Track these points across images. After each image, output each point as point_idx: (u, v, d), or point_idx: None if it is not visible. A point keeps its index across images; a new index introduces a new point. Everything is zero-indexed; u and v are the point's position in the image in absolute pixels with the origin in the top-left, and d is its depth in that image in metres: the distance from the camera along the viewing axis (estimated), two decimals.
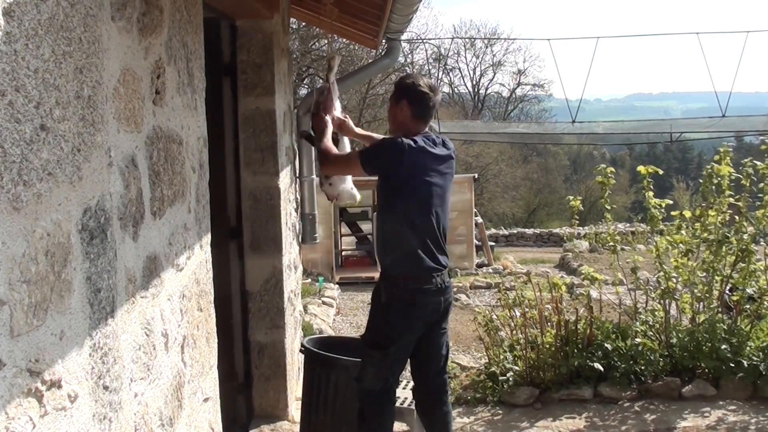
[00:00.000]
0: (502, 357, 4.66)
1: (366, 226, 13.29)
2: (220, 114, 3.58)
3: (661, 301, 4.76)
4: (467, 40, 32.44)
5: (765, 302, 4.75)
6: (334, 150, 3.23)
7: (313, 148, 4.98)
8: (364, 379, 3.01)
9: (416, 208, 2.96)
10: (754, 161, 4.84)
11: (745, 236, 4.70)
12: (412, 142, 2.96)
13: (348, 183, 3.54)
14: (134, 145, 1.64)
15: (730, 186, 4.79)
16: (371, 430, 3.06)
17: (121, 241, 1.53)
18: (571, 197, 5.19)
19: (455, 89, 33.74)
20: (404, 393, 3.88)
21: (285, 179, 4.03)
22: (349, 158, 3.22)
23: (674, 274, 4.74)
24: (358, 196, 3.69)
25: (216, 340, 2.41)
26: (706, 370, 4.50)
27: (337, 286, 10.43)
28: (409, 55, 24.82)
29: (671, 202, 5.16)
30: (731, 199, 4.79)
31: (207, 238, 2.33)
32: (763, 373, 4.37)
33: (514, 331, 4.77)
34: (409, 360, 3.17)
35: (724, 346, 4.45)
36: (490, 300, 8.64)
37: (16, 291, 1.05)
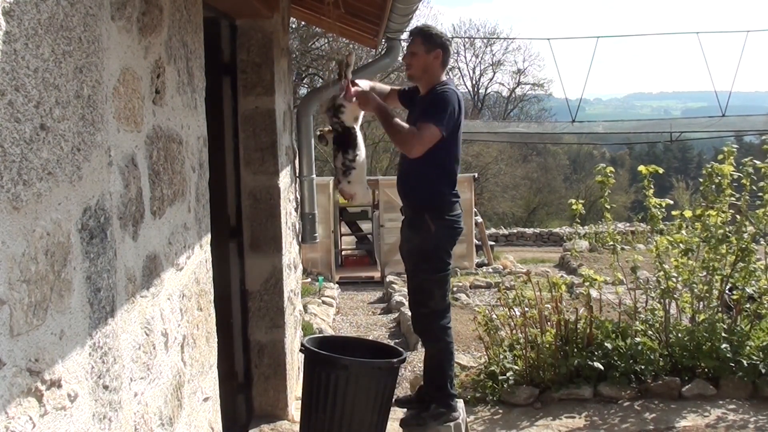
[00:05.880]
0: (501, 356, 4.66)
1: (366, 226, 13.29)
2: (220, 113, 3.58)
3: (661, 301, 4.76)
4: (467, 39, 32.44)
5: (765, 302, 4.75)
6: (410, 130, 3.31)
7: (312, 146, 4.99)
8: (432, 303, 3.41)
9: (453, 151, 3.41)
10: (755, 160, 4.84)
11: (745, 235, 4.70)
12: (458, 95, 3.37)
13: (364, 181, 3.53)
14: (134, 144, 1.64)
15: (730, 185, 4.80)
16: (446, 341, 3.47)
17: (120, 240, 1.53)
18: (573, 200, 5.19)
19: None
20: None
21: (285, 179, 4.03)
22: (432, 135, 3.25)
23: (674, 274, 4.74)
24: (370, 197, 3.71)
25: (216, 339, 2.41)
26: (706, 370, 4.50)
27: (336, 285, 10.43)
28: None
29: (671, 202, 5.16)
30: (732, 199, 4.80)
31: (207, 238, 2.33)
32: (763, 372, 4.37)
33: (514, 331, 4.77)
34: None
35: (724, 346, 4.45)
36: (489, 299, 8.63)
37: (16, 290, 1.05)
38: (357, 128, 3.48)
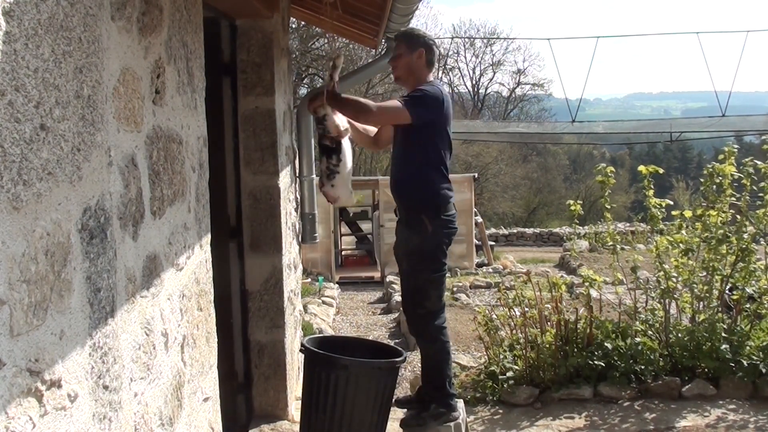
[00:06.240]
0: (501, 356, 4.66)
1: (366, 226, 13.29)
2: (219, 113, 3.58)
3: (661, 301, 4.76)
4: (467, 39, 32.45)
5: (765, 302, 4.75)
6: (369, 101, 3.41)
7: (312, 146, 4.99)
8: (428, 303, 3.41)
9: (446, 152, 3.41)
10: (755, 161, 4.84)
11: (746, 236, 4.70)
12: (443, 92, 3.39)
13: (348, 185, 3.55)
14: (134, 144, 1.64)
15: (731, 185, 4.80)
16: (442, 341, 3.47)
17: (120, 240, 1.53)
18: (571, 201, 5.19)
19: (455, 89, 33.67)
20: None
21: (285, 179, 4.03)
22: (396, 108, 3.30)
23: (674, 274, 4.74)
24: (355, 198, 3.72)
25: (216, 339, 2.41)
26: (706, 370, 4.50)
27: (336, 285, 10.43)
28: None
29: (671, 202, 5.16)
30: (732, 199, 4.80)
31: (207, 238, 2.33)
32: (763, 372, 4.37)
33: (514, 331, 4.77)
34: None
35: (724, 346, 4.45)
36: (489, 299, 8.63)
37: (16, 290, 1.05)
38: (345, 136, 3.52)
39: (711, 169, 4.84)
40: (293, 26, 15.82)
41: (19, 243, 1.06)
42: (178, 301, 1.97)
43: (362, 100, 3.44)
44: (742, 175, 4.81)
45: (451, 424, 3.43)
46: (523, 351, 4.56)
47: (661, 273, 4.74)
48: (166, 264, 1.86)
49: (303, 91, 18.04)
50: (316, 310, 7.76)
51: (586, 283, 4.87)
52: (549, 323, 4.66)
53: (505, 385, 4.42)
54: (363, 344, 3.87)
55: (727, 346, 4.46)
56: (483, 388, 4.50)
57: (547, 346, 4.52)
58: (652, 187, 4.91)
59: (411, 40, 3.46)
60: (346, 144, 3.52)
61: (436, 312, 3.43)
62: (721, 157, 4.89)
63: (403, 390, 4.77)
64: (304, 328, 5.81)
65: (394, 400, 3.42)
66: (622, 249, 6.80)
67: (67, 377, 1.22)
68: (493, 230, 18.48)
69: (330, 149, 3.48)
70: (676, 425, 4.06)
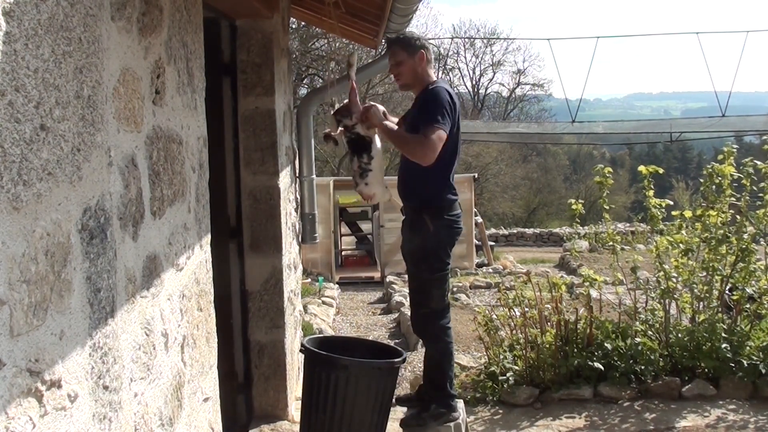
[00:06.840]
0: (501, 357, 4.66)
1: (366, 226, 13.28)
2: (219, 114, 3.58)
3: (661, 301, 4.76)
4: (467, 39, 32.45)
5: (765, 302, 4.75)
6: (412, 136, 3.30)
7: (312, 147, 4.99)
8: (431, 303, 3.42)
9: (453, 153, 3.39)
10: (755, 161, 4.84)
11: (745, 236, 4.70)
12: (453, 93, 3.38)
13: (381, 181, 3.55)
14: (134, 144, 1.64)
15: (730, 185, 4.80)
16: (445, 341, 3.48)
17: (120, 240, 1.53)
18: (572, 201, 5.19)
19: (455, 89, 33.70)
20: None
21: (285, 179, 4.03)
22: (437, 136, 3.17)
23: (674, 274, 4.74)
24: (389, 194, 3.73)
25: (216, 339, 2.41)
26: (706, 370, 4.50)
27: (336, 285, 10.42)
28: None
29: (671, 202, 5.16)
30: (732, 199, 4.80)
31: (207, 238, 2.33)
32: (763, 372, 4.37)
33: (514, 331, 4.77)
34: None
35: (724, 346, 4.45)
36: (489, 300, 8.62)
37: (16, 291, 1.05)
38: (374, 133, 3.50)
39: (711, 170, 4.84)
40: (293, 26, 15.82)
41: (19, 243, 1.06)
42: (178, 301, 1.98)
43: (414, 138, 3.28)
44: (741, 176, 4.81)
45: (451, 424, 3.43)
46: (523, 351, 4.56)
47: (661, 273, 4.74)
48: (166, 264, 1.86)
49: (303, 91, 18.03)
50: (316, 310, 7.76)
51: (586, 283, 4.87)
52: (549, 323, 4.66)
53: (505, 386, 4.42)
54: (363, 344, 3.87)
55: (727, 346, 4.46)
56: (483, 388, 4.50)
57: (547, 346, 4.52)
58: (652, 187, 4.91)
59: (409, 45, 3.42)
60: (376, 141, 3.50)
61: (439, 312, 3.43)
62: (720, 157, 4.89)
63: (403, 390, 4.77)
64: (304, 328, 5.81)
65: (394, 398, 3.42)
66: (622, 249, 6.80)
67: (67, 377, 1.22)
68: (493, 230, 18.47)
69: (361, 148, 3.46)
70: (676, 425, 4.06)
